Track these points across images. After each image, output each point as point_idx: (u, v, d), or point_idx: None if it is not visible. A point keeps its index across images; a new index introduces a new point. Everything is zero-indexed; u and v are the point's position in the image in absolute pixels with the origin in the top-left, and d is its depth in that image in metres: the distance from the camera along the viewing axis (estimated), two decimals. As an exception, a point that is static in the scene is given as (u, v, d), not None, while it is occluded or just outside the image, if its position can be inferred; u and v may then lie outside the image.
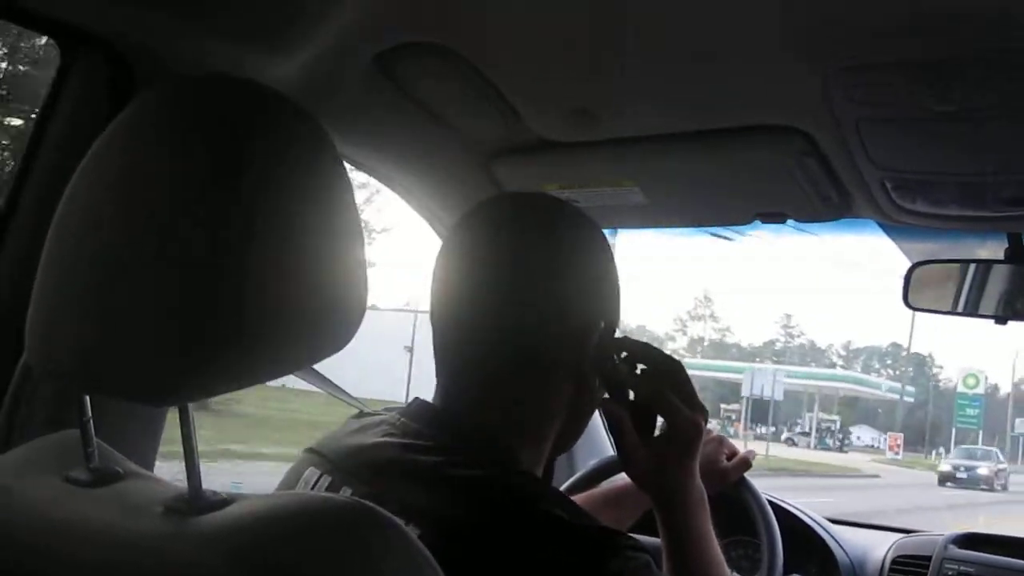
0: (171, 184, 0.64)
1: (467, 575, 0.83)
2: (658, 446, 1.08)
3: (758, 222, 1.73)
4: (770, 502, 1.51)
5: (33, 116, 1.23)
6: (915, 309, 1.77)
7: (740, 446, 1.49)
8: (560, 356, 1.02)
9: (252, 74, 1.21)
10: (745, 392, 33.47)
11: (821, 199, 1.56)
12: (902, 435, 45.41)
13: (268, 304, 0.65)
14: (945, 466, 29.35)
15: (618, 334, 1.08)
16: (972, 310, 1.72)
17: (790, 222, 1.70)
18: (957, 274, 1.74)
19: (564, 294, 1.02)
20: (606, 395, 1.09)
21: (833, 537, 2.02)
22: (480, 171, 1.72)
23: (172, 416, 1.25)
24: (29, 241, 1.16)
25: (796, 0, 1.06)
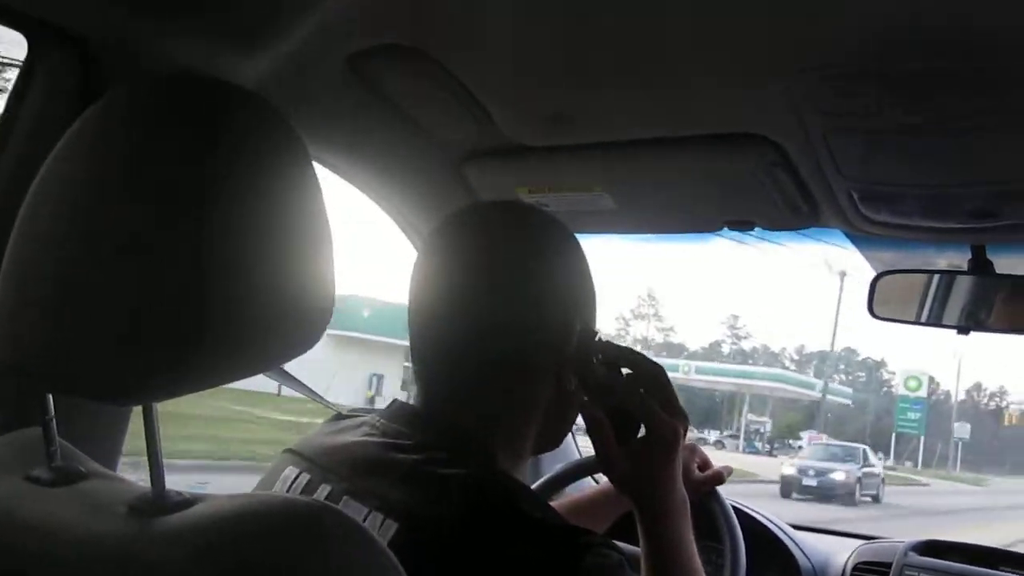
0: (137, 182, 0.63)
1: (443, 572, 0.84)
2: (637, 450, 1.08)
3: (726, 229, 1.74)
4: (733, 507, 1.52)
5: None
6: (879, 318, 1.79)
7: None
8: (537, 359, 1.03)
9: (223, 74, 1.21)
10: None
11: (789, 208, 1.57)
12: (825, 436, 43.06)
13: (234, 304, 0.64)
14: (788, 469, 21.83)
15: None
16: (935, 320, 1.74)
17: (757, 230, 1.71)
18: (921, 284, 1.75)
19: (540, 298, 1.03)
20: (586, 398, 1.09)
21: (795, 543, 2.03)
22: (452, 174, 1.72)
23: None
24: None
25: (768, 11, 1.07)
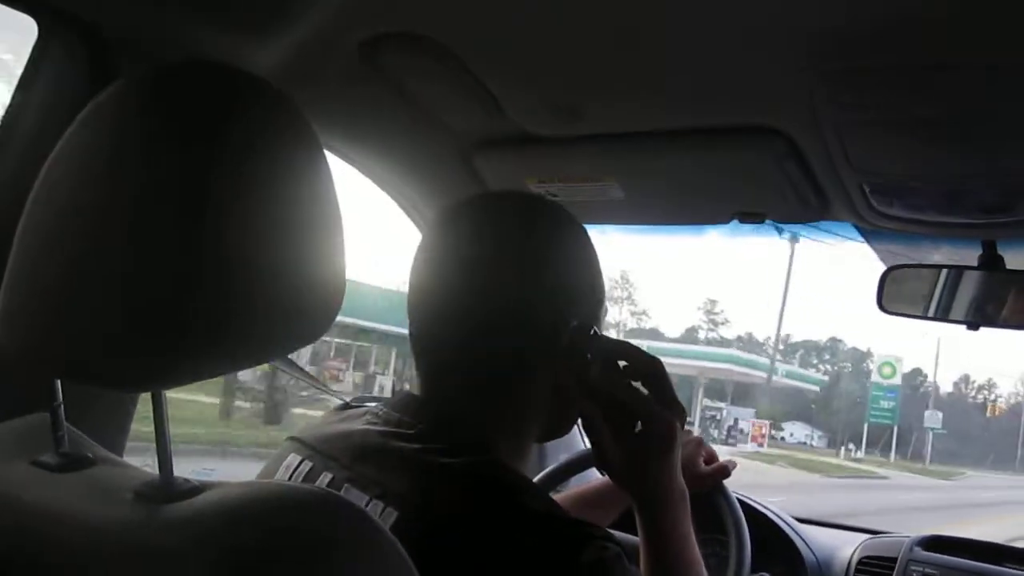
0: (147, 169, 0.63)
1: (443, 562, 0.84)
2: (634, 445, 1.07)
3: (736, 221, 1.73)
4: (739, 500, 1.52)
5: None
6: (888, 312, 1.78)
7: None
8: (530, 353, 1.03)
9: (234, 61, 1.20)
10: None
11: (800, 201, 1.57)
12: (768, 423, 40.81)
13: (244, 292, 0.64)
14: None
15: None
16: (944, 315, 1.73)
17: (768, 222, 1.71)
18: (931, 279, 1.75)
19: (532, 292, 1.02)
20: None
21: (800, 536, 2.03)
22: (461, 163, 1.72)
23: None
24: (2, 225, 1.14)
25: (781, 4, 1.06)
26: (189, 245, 0.62)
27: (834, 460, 38.24)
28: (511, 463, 1.00)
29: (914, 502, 20.68)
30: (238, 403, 13.95)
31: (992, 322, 1.68)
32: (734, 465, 1.49)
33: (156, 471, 0.70)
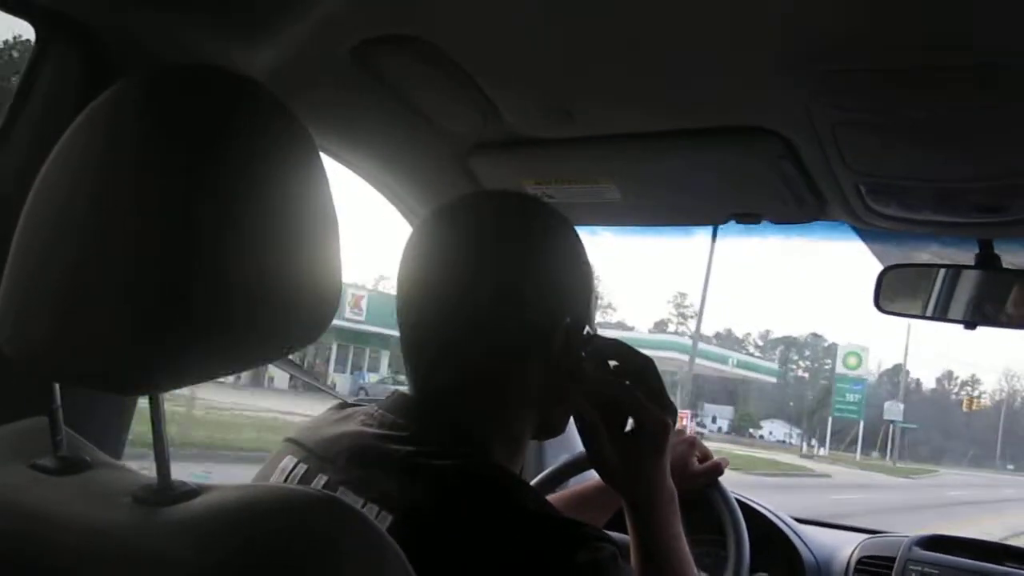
0: (144, 172, 0.63)
1: (438, 564, 0.84)
2: (626, 444, 1.08)
3: (733, 222, 1.74)
4: (737, 500, 1.52)
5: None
6: (886, 312, 1.79)
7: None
8: (522, 353, 1.02)
9: (229, 64, 1.21)
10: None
11: (796, 202, 1.57)
12: (689, 412, 36.46)
13: (241, 294, 0.64)
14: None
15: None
16: (942, 314, 1.74)
17: (764, 223, 1.71)
18: (928, 279, 1.75)
19: (523, 291, 1.02)
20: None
21: (799, 536, 2.03)
22: (457, 166, 1.72)
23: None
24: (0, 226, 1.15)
25: (778, 5, 1.06)
26: (186, 248, 0.62)
27: (783, 457, 36.71)
28: (505, 463, 1.00)
29: (846, 504, 18.31)
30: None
31: (990, 321, 1.69)
32: (727, 463, 1.49)
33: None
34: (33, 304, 0.66)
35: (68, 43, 1.18)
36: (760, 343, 75.65)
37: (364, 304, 25.83)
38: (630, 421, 1.09)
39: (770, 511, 2.06)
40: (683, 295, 71.11)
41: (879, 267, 1.79)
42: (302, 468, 1.01)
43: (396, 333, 1.07)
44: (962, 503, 21.82)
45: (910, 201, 1.52)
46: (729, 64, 1.22)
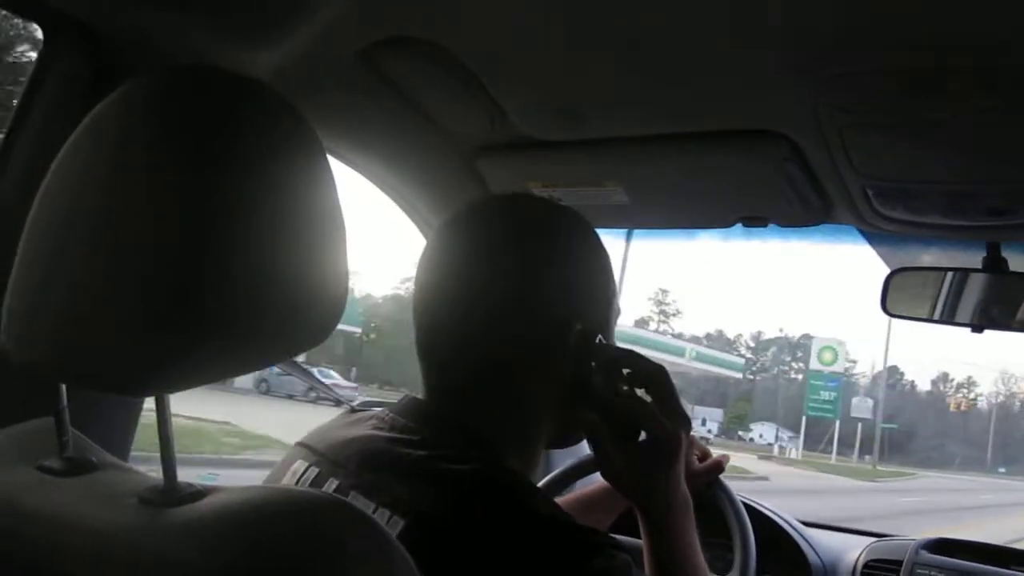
0: (151, 174, 0.63)
1: (449, 569, 0.83)
2: (638, 455, 1.06)
3: (740, 226, 1.73)
4: (743, 503, 1.52)
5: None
6: (893, 316, 1.78)
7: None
8: (532, 357, 1.02)
9: (236, 66, 1.21)
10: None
11: (803, 204, 1.57)
12: None
13: (248, 296, 0.64)
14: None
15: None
16: (949, 318, 1.73)
17: (771, 227, 1.71)
18: (935, 282, 1.74)
19: (534, 296, 1.01)
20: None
21: (806, 540, 2.03)
22: (464, 168, 1.72)
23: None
24: (6, 228, 1.15)
25: (782, 8, 1.06)
26: (193, 250, 0.62)
27: (735, 460, 34.52)
28: (518, 469, 0.99)
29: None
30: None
31: (997, 324, 1.68)
32: (727, 459, 1.48)
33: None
34: (40, 305, 0.66)
35: (75, 45, 1.18)
36: (752, 344, 75.04)
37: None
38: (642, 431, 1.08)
39: (776, 514, 2.05)
40: (664, 291, 69.65)
41: (882, 268, 1.79)
42: (313, 472, 1.00)
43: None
44: (910, 512, 20.27)
45: (917, 204, 1.52)
46: (735, 66, 1.22)
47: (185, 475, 0.69)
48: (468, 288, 1.01)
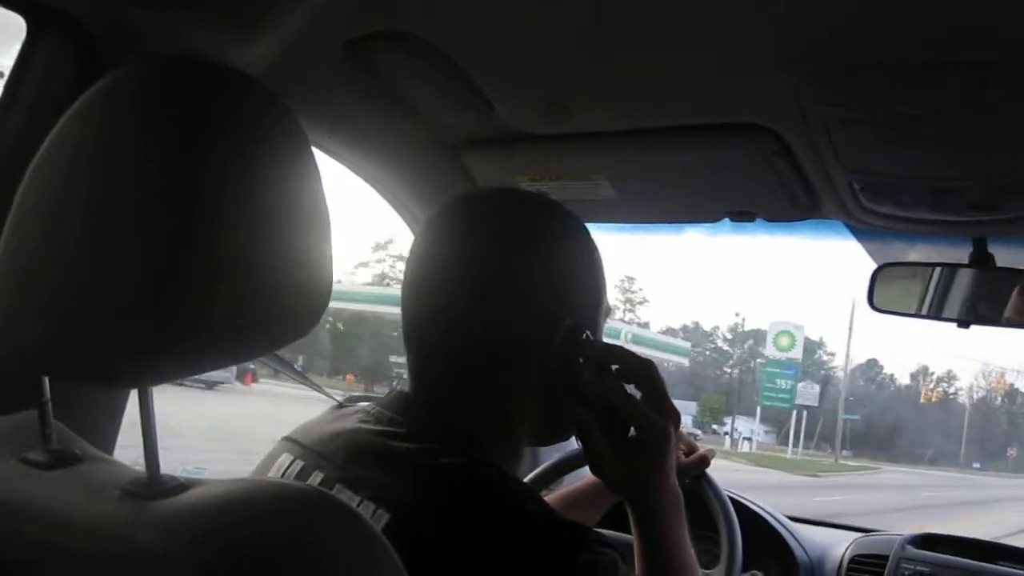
0: (135, 165, 0.63)
1: (434, 563, 0.83)
2: (627, 451, 1.06)
3: (727, 220, 1.74)
4: (730, 498, 1.52)
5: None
6: (880, 311, 1.79)
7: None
8: (516, 351, 1.01)
9: (222, 58, 1.20)
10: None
11: (790, 199, 1.57)
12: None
13: (231, 288, 0.64)
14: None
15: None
16: (936, 313, 1.74)
17: (759, 221, 1.71)
18: (922, 277, 1.75)
19: (520, 292, 1.01)
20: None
21: (792, 535, 2.04)
22: (451, 162, 1.72)
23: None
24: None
25: (769, 3, 1.06)
26: (176, 241, 0.62)
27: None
28: (503, 464, 0.99)
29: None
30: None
31: (983, 320, 1.69)
32: (713, 454, 1.48)
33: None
34: (22, 297, 0.66)
35: (59, 36, 1.17)
36: (729, 336, 74.61)
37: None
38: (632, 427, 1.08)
39: (763, 509, 2.06)
40: (631, 279, 67.05)
41: (869, 263, 1.79)
42: (299, 465, 1.00)
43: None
44: (828, 515, 19.15)
45: (904, 199, 1.52)
46: (722, 61, 1.22)
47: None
48: (453, 282, 1.01)
